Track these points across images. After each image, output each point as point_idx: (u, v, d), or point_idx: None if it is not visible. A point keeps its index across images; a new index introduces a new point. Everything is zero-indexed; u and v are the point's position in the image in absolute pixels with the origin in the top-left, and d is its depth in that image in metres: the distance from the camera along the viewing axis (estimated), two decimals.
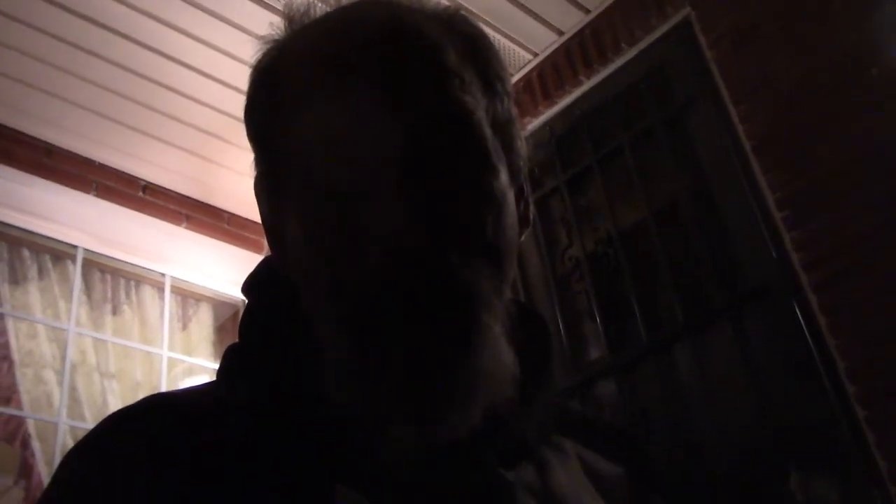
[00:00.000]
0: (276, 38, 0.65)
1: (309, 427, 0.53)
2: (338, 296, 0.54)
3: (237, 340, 0.63)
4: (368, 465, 0.52)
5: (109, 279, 3.26)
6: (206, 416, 0.52)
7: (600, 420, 0.82)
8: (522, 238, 0.66)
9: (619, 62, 2.84)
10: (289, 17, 0.64)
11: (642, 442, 0.80)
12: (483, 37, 0.64)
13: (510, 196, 0.61)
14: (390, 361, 0.51)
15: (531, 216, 0.68)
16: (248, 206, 3.48)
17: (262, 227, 0.67)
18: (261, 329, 0.62)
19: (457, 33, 0.61)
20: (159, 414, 0.53)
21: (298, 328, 0.58)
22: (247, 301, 0.65)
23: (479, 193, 0.56)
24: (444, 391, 0.51)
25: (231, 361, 0.62)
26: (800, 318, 2.10)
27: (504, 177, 0.59)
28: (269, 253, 0.66)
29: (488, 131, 0.58)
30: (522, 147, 0.66)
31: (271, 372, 0.58)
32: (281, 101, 0.61)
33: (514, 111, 0.65)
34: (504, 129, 0.62)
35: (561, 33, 3.03)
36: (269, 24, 0.65)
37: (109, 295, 3.23)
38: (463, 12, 0.65)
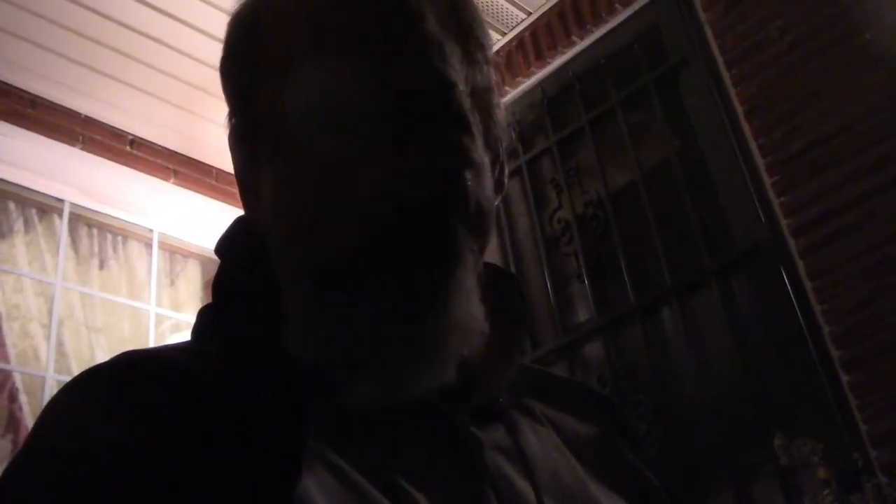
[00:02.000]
0: None
1: (280, 383, 0.53)
2: (312, 245, 0.55)
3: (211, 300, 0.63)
4: (338, 420, 0.52)
5: (96, 234, 3.24)
6: (180, 371, 0.52)
7: (568, 380, 0.83)
8: (496, 203, 0.66)
9: (613, 23, 2.82)
10: None
11: (612, 400, 0.80)
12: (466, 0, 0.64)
13: (487, 162, 0.61)
14: (362, 308, 0.52)
15: (505, 182, 0.69)
16: None
17: None
18: (233, 287, 0.62)
19: None
20: (133, 369, 0.53)
21: (271, 286, 0.59)
22: (220, 260, 0.64)
23: (460, 157, 0.57)
24: (415, 341, 0.52)
25: (204, 320, 0.62)
26: (786, 282, 2.12)
27: (481, 143, 0.60)
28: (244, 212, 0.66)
29: (467, 100, 0.59)
30: (500, 114, 0.66)
31: (243, 329, 0.58)
32: (261, 58, 0.60)
33: (493, 78, 0.65)
34: (483, 96, 0.63)
35: None
36: None
37: (96, 249, 3.21)
38: None
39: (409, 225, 0.53)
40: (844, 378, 1.95)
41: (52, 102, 3.03)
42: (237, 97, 0.64)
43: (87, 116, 3.12)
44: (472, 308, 0.56)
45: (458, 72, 0.58)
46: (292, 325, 0.54)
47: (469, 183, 0.57)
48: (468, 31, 0.61)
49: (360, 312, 0.52)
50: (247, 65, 0.62)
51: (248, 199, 0.65)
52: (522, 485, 0.56)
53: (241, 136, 0.64)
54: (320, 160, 0.55)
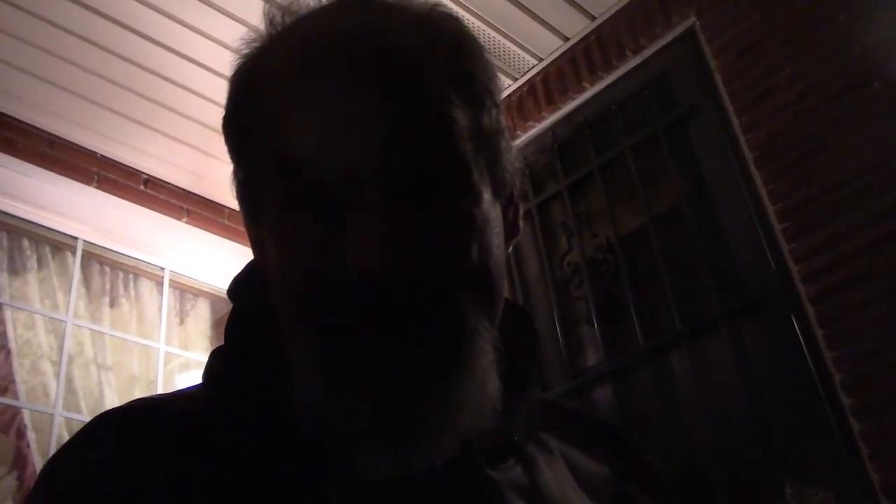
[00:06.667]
0: (255, 43, 0.62)
1: (294, 430, 0.52)
2: (312, 315, 0.53)
3: (223, 343, 0.63)
4: (352, 466, 0.52)
5: (108, 271, 3.26)
6: (193, 419, 0.52)
7: (584, 414, 0.80)
8: (510, 248, 0.65)
9: (624, 69, 2.85)
10: (269, 19, 0.62)
11: (629, 436, 0.80)
12: (470, 43, 0.61)
13: (494, 215, 0.59)
14: (367, 387, 0.50)
15: (520, 224, 0.67)
16: None
17: None
18: (246, 333, 0.61)
19: (442, 40, 0.58)
20: (145, 417, 0.53)
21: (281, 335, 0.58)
22: (232, 304, 0.64)
23: (462, 222, 0.55)
24: (422, 420, 0.50)
25: (217, 365, 0.62)
26: (797, 329, 2.10)
27: (488, 196, 0.58)
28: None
29: (470, 149, 0.56)
30: (511, 158, 0.63)
31: (256, 376, 0.58)
32: (259, 108, 0.59)
33: (503, 121, 0.63)
34: (490, 141, 0.60)
35: (566, 39, 3.03)
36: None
37: (108, 287, 3.23)
38: (449, 12, 0.62)
39: (411, 303, 0.51)
40: (856, 426, 1.93)
41: (69, 142, 3.07)
42: (239, 149, 0.62)
43: (102, 156, 3.16)
44: (487, 384, 0.53)
45: (459, 118, 0.56)
46: (295, 386, 0.52)
47: (473, 254, 0.54)
48: (472, 74, 0.59)
49: (362, 381, 0.50)
50: (246, 117, 0.60)
51: (255, 252, 0.64)
52: None
53: (244, 190, 0.62)
54: (316, 211, 0.53)
